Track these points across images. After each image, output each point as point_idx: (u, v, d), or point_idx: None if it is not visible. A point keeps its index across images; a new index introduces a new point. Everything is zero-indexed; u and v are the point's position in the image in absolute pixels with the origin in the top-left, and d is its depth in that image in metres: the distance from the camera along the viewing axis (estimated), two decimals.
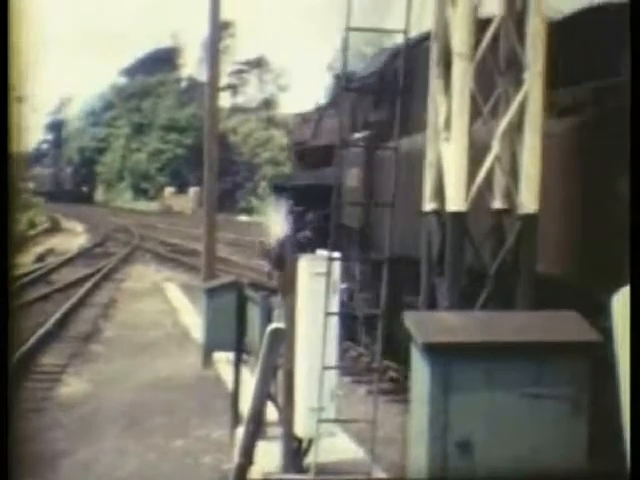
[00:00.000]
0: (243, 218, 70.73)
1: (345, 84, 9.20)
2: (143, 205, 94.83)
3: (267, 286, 12.89)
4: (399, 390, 12.60)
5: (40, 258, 37.71)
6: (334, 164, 16.98)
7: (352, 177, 15.89)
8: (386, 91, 14.88)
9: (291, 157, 23.68)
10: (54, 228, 61.09)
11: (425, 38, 12.53)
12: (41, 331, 18.29)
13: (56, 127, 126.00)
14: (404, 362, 8.54)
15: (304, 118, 21.99)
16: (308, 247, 18.93)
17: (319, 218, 17.27)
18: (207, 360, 15.68)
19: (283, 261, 19.45)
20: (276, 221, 17.65)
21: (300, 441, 8.84)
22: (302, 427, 8.71)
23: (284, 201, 19.60)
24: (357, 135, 16.12)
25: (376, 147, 13.28)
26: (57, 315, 20.58)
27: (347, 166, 16.05)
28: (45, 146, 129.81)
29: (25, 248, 43.37)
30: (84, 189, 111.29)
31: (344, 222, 15.66)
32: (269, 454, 9.05)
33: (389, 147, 11.37)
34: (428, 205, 8.54)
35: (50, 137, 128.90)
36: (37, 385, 14.38)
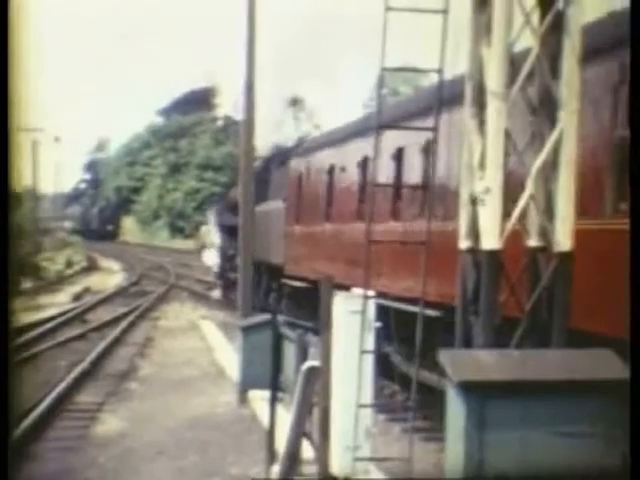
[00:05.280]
0: None
1: (379, 122, 9.37)
2: (179, 243, 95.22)
3: (303, 324, 12.96)
4: (434, 428, 12.57)
5: (77, 297, 38.02)
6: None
7: None
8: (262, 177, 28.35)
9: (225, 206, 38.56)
10: (91, 267, 61.64)
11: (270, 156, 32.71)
12: (78, 369, 18.45)
13: (94, 167, 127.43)
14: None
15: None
16: (233, 258, 32.68)
17: (234, 244, 29.98)
18: (243, 398, 15.71)
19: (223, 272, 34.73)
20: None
21: (335, 479, 8.84)
22: (337, 465, 8.71)
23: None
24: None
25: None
26: (94, 354, 20.73)
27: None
28: (83, 185, 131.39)
29: (62, 287, 43.72)
30: (109, 228, 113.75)
31: None
32: None
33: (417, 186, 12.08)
34: (463, 243, 8.50)
35: (88, 177, 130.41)
36: (74, 423, 14.46)
